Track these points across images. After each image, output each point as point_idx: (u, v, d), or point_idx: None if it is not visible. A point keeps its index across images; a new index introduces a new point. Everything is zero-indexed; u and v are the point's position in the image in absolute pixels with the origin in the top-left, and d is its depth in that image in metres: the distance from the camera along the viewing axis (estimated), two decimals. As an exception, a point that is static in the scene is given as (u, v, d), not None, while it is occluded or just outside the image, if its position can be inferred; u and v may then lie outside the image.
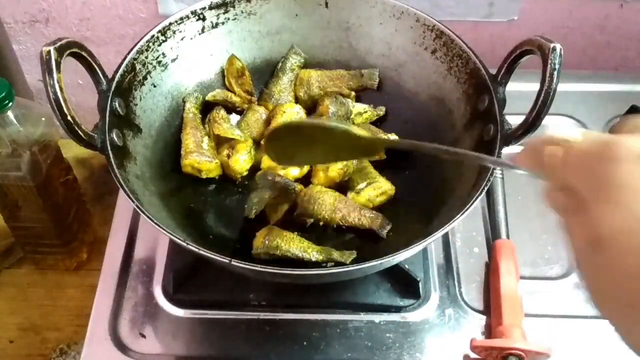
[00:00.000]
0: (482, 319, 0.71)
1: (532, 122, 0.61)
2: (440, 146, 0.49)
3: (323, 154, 0.58)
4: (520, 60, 0.64)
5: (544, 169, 0.33)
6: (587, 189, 0.29)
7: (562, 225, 0.32)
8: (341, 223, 0.69)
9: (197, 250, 0.55)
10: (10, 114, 0.67)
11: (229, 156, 0.73)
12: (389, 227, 0.69)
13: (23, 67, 1.00)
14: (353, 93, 0.79)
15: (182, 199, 0.72)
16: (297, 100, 0.79)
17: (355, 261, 0.66)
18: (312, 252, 0.66)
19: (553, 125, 0.30)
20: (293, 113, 0.75)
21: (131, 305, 0.71)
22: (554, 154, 0.31)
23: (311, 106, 0.79)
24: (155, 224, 0.56)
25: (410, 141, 0.60)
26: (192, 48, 0.74)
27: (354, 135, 0.53)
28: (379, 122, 0.80)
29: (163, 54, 0.72)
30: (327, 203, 0.69)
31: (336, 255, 0.66)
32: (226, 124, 0.74)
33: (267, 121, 0.77)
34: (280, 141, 0.58)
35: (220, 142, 0.75)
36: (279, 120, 0.75)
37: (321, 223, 0.69)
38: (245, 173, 0.74)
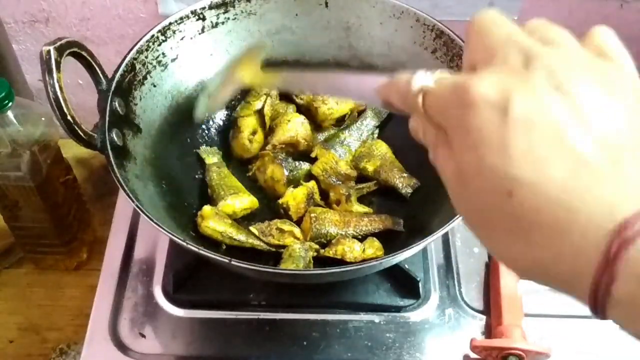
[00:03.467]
0: (482, 319, 0.71)
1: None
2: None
3: None
4: (520, 60, 0.64)
5: (410, 107, 0.34)
6: (448, 129, 0.31)
7: (431, 156, 0.34)
8: (356, 233, 0.69)
9: (197, 250, 0.55)
10: (10, 114, 0.67)
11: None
12: (401, 221, 0.70)
13: (23, 67, 1.00)
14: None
15: (182, 199, 0.72)
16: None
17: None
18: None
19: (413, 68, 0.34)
20: (297, 123, 0.75)
21: (131, 305, 0.71)
22: (415, 96, 0.33)
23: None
24: (155, 224, 0.56)
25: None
26: (192, 48, 0.74)
27: None
28: (380, 123, 0.80)
29: (163, 53, 0.72)
30: (334, 220, 0.69)
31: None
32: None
33: (271, 130, 0.77)
34: None
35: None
36: (285, 128, 0.75)
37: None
38: (250, 152, 0.76)
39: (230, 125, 0.78)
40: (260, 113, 0.76)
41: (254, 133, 0.75)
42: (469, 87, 0.29)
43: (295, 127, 0.75)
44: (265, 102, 0.76)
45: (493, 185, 0.28)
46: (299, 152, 0.77)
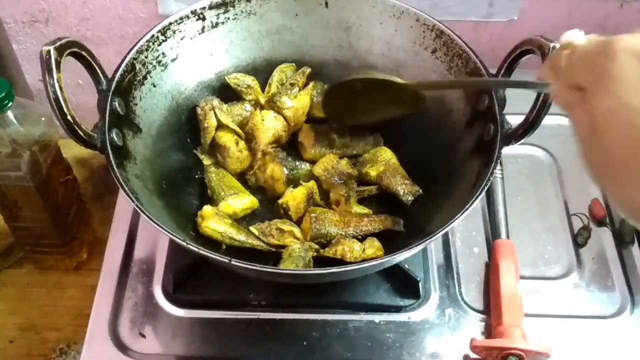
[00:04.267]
0: (482, 319, 0.71)
1: (532, 122, 0.61)
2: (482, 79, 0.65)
3: (372, 111, 0.69)
4: (520, 60, 0.64)
5: (560, 72, 0.40)
6: (588, 82, 0.36)
7: (569, 118, 0.39)
8: (356, 233, 0.69)
9: (197, 250, 0.55)
10: (10, 114, 0.67)
11: (224, 157, 0.74)
12: (401, 221, 0.70)
13: (23, 67, 1.00)
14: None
15: (182, 199, 0.72)
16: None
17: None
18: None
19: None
20: (272, 119, 0.74)
21: (131, 305, 0.71)
22: (565, 56, 0.38)
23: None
24: (155, 224, 0.56)
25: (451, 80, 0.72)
26: (192, 48, 0.74)
27: (399, 84, 0.64)
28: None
29: (163, 53, 0.72)
30: (334, 220, 0.69)
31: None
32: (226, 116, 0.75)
33: (249, 136, 0.76)
34: (335, 98, 0.70)
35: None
36: (263, 128, 0.74)
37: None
38: (247, 161, 0.75)
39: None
40: (224, 126, 0.74)
41: (237, 143, 0.75)
42: (613, 40, 0.34)
43: (272, 123, 0.74)
44: (216, 115, 0.73)
45: (629, 121, 0.33)
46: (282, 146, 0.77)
